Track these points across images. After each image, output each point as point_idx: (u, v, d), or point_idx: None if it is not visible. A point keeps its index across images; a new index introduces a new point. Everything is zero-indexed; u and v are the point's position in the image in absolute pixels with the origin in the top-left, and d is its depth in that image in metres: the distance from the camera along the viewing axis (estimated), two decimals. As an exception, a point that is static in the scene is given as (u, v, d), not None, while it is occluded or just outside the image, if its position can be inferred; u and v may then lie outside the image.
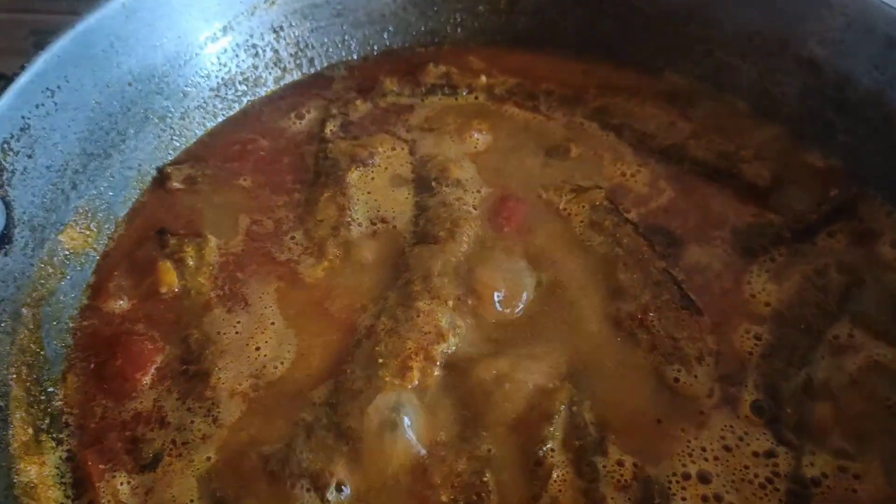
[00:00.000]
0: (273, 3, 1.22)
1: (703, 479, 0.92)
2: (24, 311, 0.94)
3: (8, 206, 0.93)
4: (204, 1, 1.16)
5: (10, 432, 0.86)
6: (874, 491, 0.91)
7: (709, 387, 0.99)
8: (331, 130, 1.20)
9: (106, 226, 1.07)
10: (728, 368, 1.01)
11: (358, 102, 1.26)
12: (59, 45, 1.00)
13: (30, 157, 0.97)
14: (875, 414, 0.97)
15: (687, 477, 0.92)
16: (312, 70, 1.29)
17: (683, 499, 0.90)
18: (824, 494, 0.91)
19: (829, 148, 1.23)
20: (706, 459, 0.93)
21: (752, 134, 1.25)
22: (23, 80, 0.95)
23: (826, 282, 1.09)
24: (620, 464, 0.92)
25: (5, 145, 0.93)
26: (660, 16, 1.31)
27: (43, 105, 0.98)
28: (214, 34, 1.18)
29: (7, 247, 0.93)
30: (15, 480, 0.84)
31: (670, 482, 0.91)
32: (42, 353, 0.94)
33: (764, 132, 1.25)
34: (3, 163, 0.93)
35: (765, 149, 1.23)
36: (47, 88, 0.98)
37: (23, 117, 0.96)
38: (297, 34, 1.25)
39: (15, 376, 0.90)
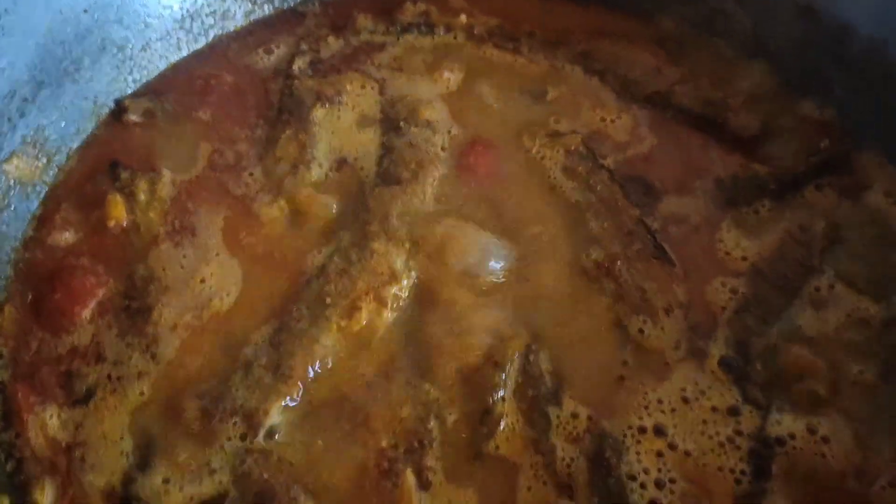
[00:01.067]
0: (243, -69, 1.17)
1: (659, 430, 0.87)
2: (-39, 241, 0.91)
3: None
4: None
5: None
6: (842, 455, 0.85)
7: (675, 339, 0.94)
8: (299, 67, 1.15)
9: (56, 157, 1.04)
10: (698, 322, 0.95)
11: (330, 39, 1.20)
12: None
13: (-31, 80, 0.93)
14: (848, 365, 0.91)
15: (643, 430, 0.87)
16: (285, 5, 1.24)
17: (637, 452, 0.85)
18: (789, 455, 0.86)
19: (824, 99, 1.15)
20: (663, 412, 0.88)
21: (742, 82, 1.18)
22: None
23: (809, 237, 1.03)
24: (574, 415, 0.88)
25: (-55, 65, 0.89)
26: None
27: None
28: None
29: (-57, 171, 0.90)
30: (-65, 408, 0.81)
31: (625, 435, 0.86)
32: (-21, 284, 0.92)
33: (756, 81, 1.19)
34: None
35: (756, 98, 1.16)
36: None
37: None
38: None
39: (-55, 302, 0.87)
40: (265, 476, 0.82)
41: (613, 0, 1.27)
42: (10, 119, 0.98)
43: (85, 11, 1.05)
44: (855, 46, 1.12)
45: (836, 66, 1.14)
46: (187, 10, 1.16)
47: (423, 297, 0.95)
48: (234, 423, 0.85)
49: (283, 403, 0.86)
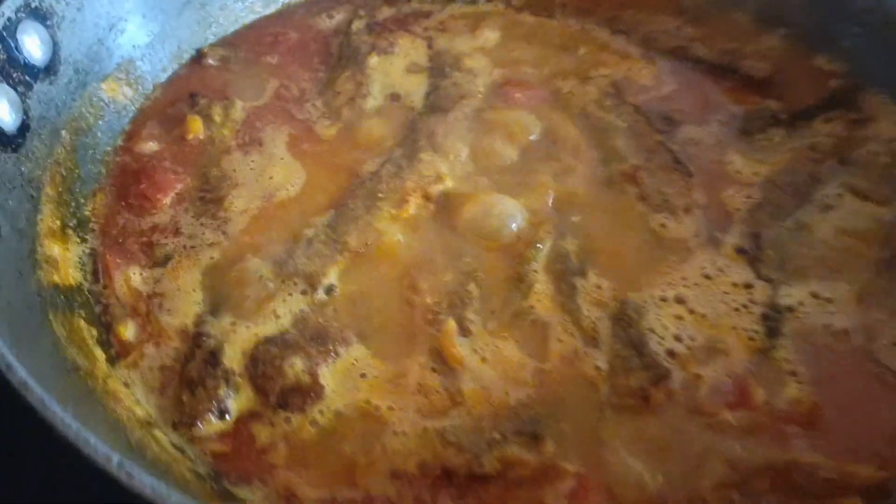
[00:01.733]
0: None
1: (680, 300, 0.95)
2: (63, 133, 1.04)
3: (56, 45, 1.05)
4: None
5: (39, 217, 0.96)
6: (847, 315, 0.93)
7: (695, 230, 1.03)
8: (356, 27, 1.30)
9: (144, 85, 1.18)
10: (715, 218, 1.04)
11: (384, 8, 1.36)
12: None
13: (79, 9, 1.09)
14: (853, 252, 0.99)
15: (664, 300, 0.95)
16: (345, -20, 1.40)
17: (658, 316, 0.93)
18: (799, 319, 0.93)
19: (834, 52, 1.26)
20: (685, 286, 0.96)
21: (758, 40, 1.30)
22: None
23: (819, 155, 1.13)
24: (598, 287, 0.96)
25: (61, -9, 1.06)
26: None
27: (96, -32, 1.11)
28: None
29: (53, 77, 1.04)
30: (38, 249, 0.93)
31: (646, 303, 0.95)
32: (77, 171, 1.05)
33: (771, 39, 1.30)
34: (55, 6, 1.05)
35: (771, 53, 1.28)
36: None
37: (76, -27, 1.08)
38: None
39: (49, 179, 1.00)
40: (320, 321, 0.91)
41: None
42: (108, 48, 1.13)
43: (172, -29, 1.22)
44: (857, 1, 1.24)
45: (843, 21, 1.26)
46: (260, -20, 1.33)
47: (461, 196, 1.06)
48: (295, 282, 0.95)
49: (339, 269, 0.97)
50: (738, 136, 1.16)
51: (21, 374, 0.68)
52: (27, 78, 0.99)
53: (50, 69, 1.04)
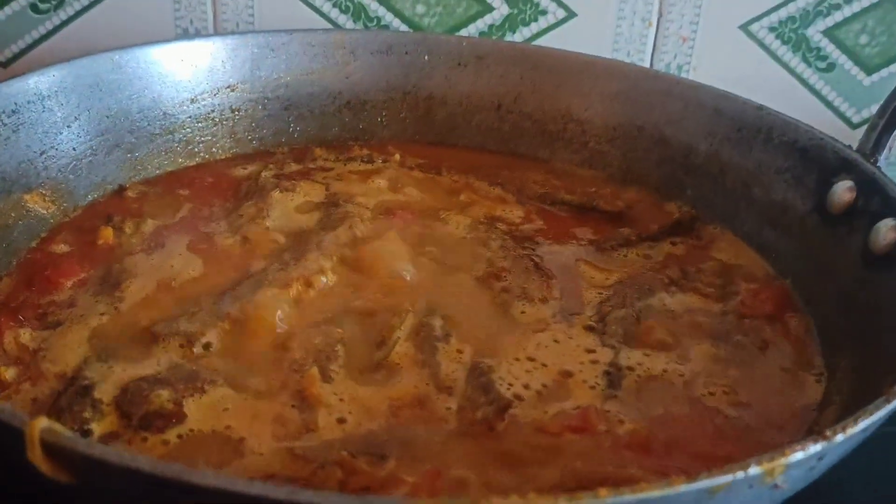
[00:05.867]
0: (233, 89, 1.57)
1: (531, 358, 1.05)
2: (-23, 224, 1.16)
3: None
4: (177, 77, 1.51)
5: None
6: (677, 369, 1.04)
7: (551, 314, 1.15)
8: (265, 175, 1.48)
9: (66, 205, 1.32)
10: (569, 307, 1.17)
11: (292, 163, 1.55)
12: (62, 68, 1.34)
13: (14, 132, 1.25)
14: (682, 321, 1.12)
15: (517, 359, 1.05)
16: (262, 147, 1.60)
17: (509, 370, 1.03)
18: (636, 374, 1.03)
19: (681, 199, 1.47)
20: (537, 349, 1.07)
21: (615, 189, 1.51)
22: (26, 77, 1.28)
23: (663, 265, 1.28)
24: (459, 351, 1.06)
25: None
26: (545, 118, 1.64)
27: (34, 102, 1.29)
28: (182, 103, 1.52)
29: (-19, 178, 1.18)
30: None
31: (500, 363, 1.04)
32: (-15, 256, 1.15)
33: (629, 192, 1.51)
34: (-7, 123, 1.22)
35: (625, 196, 1.48)
36: (40, 91, 1.30)
37: (15, 103, 1.26)
38: (251, 116, 1.59)
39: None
40: (194, 367, 0.99)
41: (517, 151, 1.64)
42: (36, 168, 1.28)
43: (107, 117, 1.41)
44: (699, 157, 1.47)
45: (686, 174, 1.48)
46: (185, 137, 1.51)
47: (342, 284, 1.18)
48: (176, 339, 1.03)
49: (218, 331, 1.05)
50: (593, 252, 1.32)
51: None
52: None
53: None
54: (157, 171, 1.48)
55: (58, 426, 0.65)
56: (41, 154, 1.30)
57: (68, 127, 1.35)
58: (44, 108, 1.31)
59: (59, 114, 1.34)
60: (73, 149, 1.36)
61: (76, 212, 1.34)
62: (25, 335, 1.04)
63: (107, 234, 1.25)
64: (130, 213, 1.34)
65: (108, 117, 1.42)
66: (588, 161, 1.60)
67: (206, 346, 1.03)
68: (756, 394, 1.03)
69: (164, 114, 1.50)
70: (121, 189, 1.41)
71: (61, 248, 1.23)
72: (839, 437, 0.72)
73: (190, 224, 1.31)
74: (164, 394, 0.93)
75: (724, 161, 1.44)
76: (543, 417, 0.95)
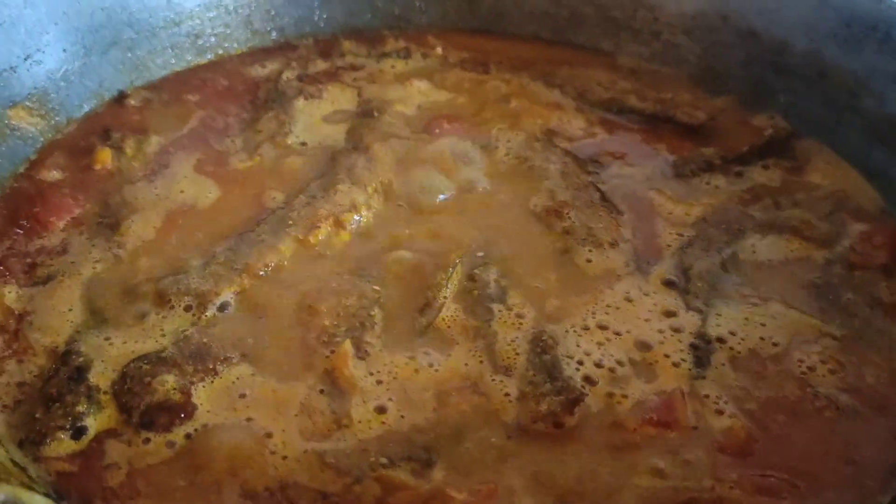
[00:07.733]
0: (247, -32, 1.35)
1: (602, 326, 0.88)
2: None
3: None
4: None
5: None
6: (780, 340, 0.87)
7: (622, 262, 0.97)
8: (287, 76, 1.28)
9: (57, 118, 1.14)
10: (643, 253, 0.99)
11: (318, 61, 1.34)
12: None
13: (-10, 34, 1.06)
14: (785, 279, 0.94)
15: (586, 328, 0.88)
16: (282, 39, 1.39)
17: (578, 343, 0.86)
18: (732, 349, 0.86)
19: (772, 108, 1.25)
20: (607, 313, 0.90)
21: (694, 94, 1.29)
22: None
23: (753, 197, 1.08)
24: (520, 316, 0.89)
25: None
26: (610, 3, 1.40)
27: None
28: (189, -12, 1.30)
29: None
30: None
31: (567, 331, 0.88)
32: (-35, 193, 0.99)
33: (710, 100, 1.28)
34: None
35: (706, 105, 1.26)
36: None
37: (-10, 2, 1.06)
38: (270, 1, 1.37)
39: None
40: (204, 340, 0.83)
41: (574, 40, 1.41)
42: (20, 77, 1.10)
43: (101, 9, 1.20)
44: (794, 56, 1.23)
45: (778, 76, 1.25)
46: (194, 29, 1.31)
47: (378, 224, 1.00)
48: (185, 301, 0.87)
49: (234, 291, 0.89)
50: (671, 179, 1.12)
51: None
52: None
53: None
54: (163, 72, 1.28)
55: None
56: (25, 59, 1.11)
57: (55, 24, 1.15)
58: (25, 1, 1.11)
59: (43, 8, 1.14)
60: (63, 50, 1.16)
61: (69, 126, 1.16)
62: (11, 294, 0.89)
63: (104, 157, 1.08)
64: (132, 127, 1.16)
65: (101, 9, 1.21)
66: (660, 55, 1.37)
67: (222, 308, 0.88)
68: (869, 370, 0.86)
69: (169, 2, 1.29)
70: (121, 96, 1.22)
71: (52, 174, 1.06)
72: None
73: (201, 139, 1.13)
74: (170, 380, 0.78)
75: (827, 62, 1.20)
76: (619, 409, 0.79)
